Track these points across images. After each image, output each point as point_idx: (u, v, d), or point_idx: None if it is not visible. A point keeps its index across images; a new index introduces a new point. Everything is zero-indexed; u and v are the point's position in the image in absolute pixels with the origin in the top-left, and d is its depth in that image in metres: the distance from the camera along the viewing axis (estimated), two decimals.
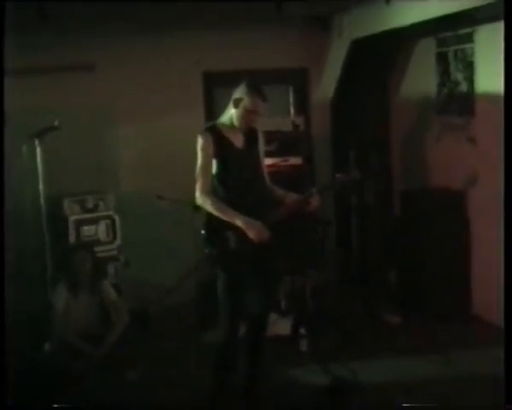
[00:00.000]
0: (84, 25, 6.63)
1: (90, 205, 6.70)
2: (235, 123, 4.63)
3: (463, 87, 6.57)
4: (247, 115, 4.58)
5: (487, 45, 6.11)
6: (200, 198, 4.62)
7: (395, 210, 7.59)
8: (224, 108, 4.75)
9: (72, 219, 6.57)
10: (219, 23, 7.13)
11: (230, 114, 4.64)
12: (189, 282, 6.60)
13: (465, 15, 5.56)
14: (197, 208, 4.91)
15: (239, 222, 4.51)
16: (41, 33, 6.44)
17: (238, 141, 4.67)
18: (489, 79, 6.16)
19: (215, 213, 4.57)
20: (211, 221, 4.59)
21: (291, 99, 7.98)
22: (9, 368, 4.47)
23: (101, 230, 6.74)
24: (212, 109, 7.47)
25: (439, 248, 6.59)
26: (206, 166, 4.61)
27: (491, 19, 5.77)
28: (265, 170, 4.89)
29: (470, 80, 6.46)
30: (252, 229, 4.50)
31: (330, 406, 5.02)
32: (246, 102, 4.55)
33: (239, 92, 4.58)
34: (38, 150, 5.09)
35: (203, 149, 4.60)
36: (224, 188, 4.61)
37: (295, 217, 4.79)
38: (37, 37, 6.52)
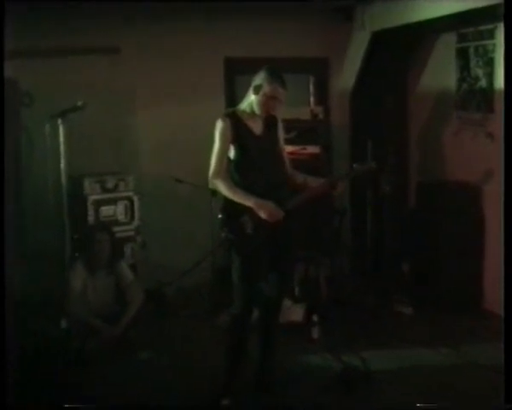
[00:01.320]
0: (109, 8, 6.67)
1: (110, 185, 6.74)
2: (255, 109, 4.67)
3: (483, 83, 6.59)
4: (267, 102, 4.62)
5: None
6: (212, 181, 4.69)
7: (411, 202, 7.63)
8: (244, 95, 4.80)
9: (91, 198, 6.62)
10: (242, 10, 7.16)
11: (250, 100, 4.69)
12: (205, 265, 6.67)
13: (487, 11, 5.58)
14: (215, 193, 4.98)
15: (250, 203, 4.55)
16: (68, 15, 6.49)
17: (257, 128, 4.72)
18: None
19: (227, 195, 4.63)
20: (228, 206, 4.65)
21: (311, 88, 7.97)
22: (22, 351, 4.54)
23: (119, 210, 6.79)
24: (233, 96, 7.50)
25: (452, 242, 6.62)
26: (222, 151, 4.65)
27: None
28: (286, 156, 4.94)
29: (490, 77, 6.48)
30: (264, 209, 4.54)
31: (340, 394, 5.04)
32: (265, 88, 4.58)
33: (259, 79, 4.62)
34: (61, 130, 5.13)
35: (221, 134, 4.64)
36: (242, 174, 4.65)
37: (312, 205, 4.85)
38: (63, 18, 6.57)
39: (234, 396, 4.88)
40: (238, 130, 4.64)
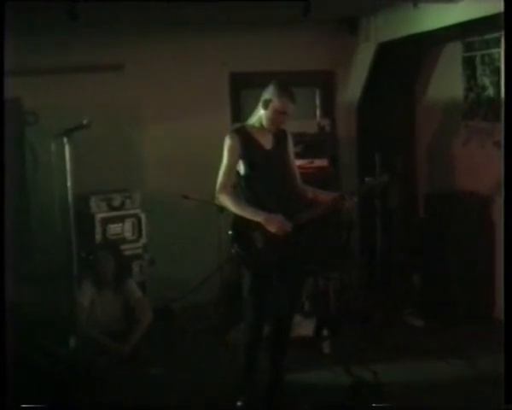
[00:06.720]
0: (112, 25, 6.67)
1: (116, 203, 6.72)
2: (265, 124, 4.65)
3: (490, 92, 6.56)
4: (277, 116, 4.60)
5: None
6: (217, 196, 4.67)
7: (420, 213, 7.59)
8: (250, 110, 4.79)
9: (98, 217, 6.60)
10: (247, 24, 7.15)
11: (259, 115, 4.67)
12: (214, 281, 6.65)
13: (493, 20, 5.55)
14: (222, 209, 4.95)
15: (258, 218, 4.52)
16: (71, 33, 6.48)
17: (267, 142, 4.70)
18: None
19: (235, 211, 4.61)
20: (237, 222, 4.62)
21: (317, 101, 7.98)
22: (28, 366, 4.51)
23: (126, 228, 6.77)
24: (239, 110, 7.51)
25: (463, 252, 6.58)
26: (230, 167, 4.64)
27: None
28: (297, 170, 4.92)
29: (497, 85, 6.45)
30: (272, 223, 4.51)
31: (351, 407, 5.02)
32: (275, 103, 4.57)
33: (268, 93, 4.61)
34: (67, 148, 5.12)
35: (229, 151, 4.63)
36: (251, 189, 4.64)
37: (321, 218, 4.81)
38: (67, 36, 6.57)
39: None
40: (247, 145, 4.63)
